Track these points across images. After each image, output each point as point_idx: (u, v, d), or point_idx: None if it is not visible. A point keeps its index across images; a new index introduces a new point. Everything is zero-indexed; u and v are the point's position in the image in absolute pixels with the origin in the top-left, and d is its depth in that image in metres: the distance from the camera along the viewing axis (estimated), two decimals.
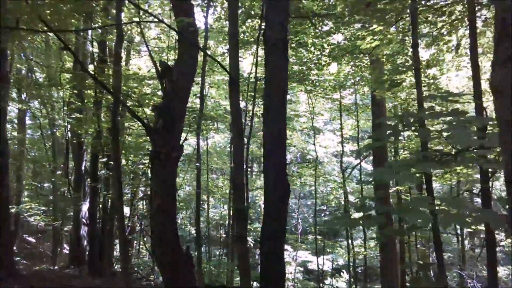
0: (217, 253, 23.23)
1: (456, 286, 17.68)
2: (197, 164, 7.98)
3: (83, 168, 13.79)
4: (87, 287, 9.72)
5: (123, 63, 9.81)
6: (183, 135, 6.56)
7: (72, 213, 14.04)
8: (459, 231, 20.59)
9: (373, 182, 13.98)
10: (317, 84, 13.12)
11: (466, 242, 18.54)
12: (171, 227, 4.54)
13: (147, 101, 8.48)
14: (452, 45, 10.46)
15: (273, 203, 4.19)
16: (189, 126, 9.89)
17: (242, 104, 11.65)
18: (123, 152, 10.89)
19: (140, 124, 12.98)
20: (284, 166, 4.32)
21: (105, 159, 11.38)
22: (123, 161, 12.76)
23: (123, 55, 11.74)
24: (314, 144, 17.00)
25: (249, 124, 7.88)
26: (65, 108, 13.75)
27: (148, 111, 8.03)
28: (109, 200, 12.63)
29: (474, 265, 17.50)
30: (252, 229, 19.78)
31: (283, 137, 4.34)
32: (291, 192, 4.20)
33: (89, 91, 9.75)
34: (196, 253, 9.33)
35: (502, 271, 17.57)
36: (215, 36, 12.58)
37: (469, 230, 20.09)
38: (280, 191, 4.15)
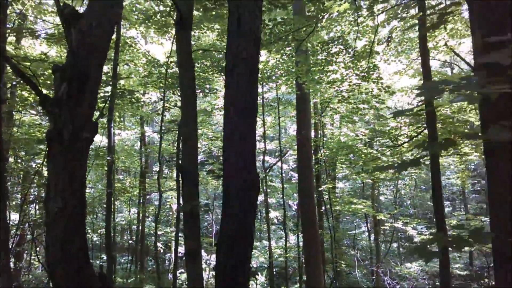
0: (122, 260, 21.25)
1: (372, 284, 17.93)
2: (109, 157, 6.43)
3: None
4: None
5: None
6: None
7: None
8: (368, 227, 21.22)
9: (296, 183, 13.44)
10: None
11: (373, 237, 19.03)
12: (77, 238, 3.17)
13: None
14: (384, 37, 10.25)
15: (235, 194, 3.10)
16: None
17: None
18: (11, 147, 8.87)
19: (33, 110, 10.88)
20: (254, 147, 3.25)
21: None
22: (11, 159, 10.57)
23: None
24: None
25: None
26: None
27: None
28: None
29: (387, 262, 17.97)
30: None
31: (253, 110, 3.32)
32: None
33: None
34: (106, 266, 7.75)
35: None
36: None
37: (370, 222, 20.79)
38: (246, 178, 3.09)
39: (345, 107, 13.38)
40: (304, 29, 9.04)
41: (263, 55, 11.43)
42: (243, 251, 3.14)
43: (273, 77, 12.27)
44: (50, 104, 3.18)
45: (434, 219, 6.00)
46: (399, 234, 22.16)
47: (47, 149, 3.20)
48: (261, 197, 21.32)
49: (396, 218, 18.35)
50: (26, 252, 14.94)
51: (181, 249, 21.75)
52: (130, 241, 20.85)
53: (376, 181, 18.56)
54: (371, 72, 9.37)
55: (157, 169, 23.54)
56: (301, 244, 13.54)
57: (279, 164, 17.33)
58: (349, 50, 9.44)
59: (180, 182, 5.45)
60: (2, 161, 5.13)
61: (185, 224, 5.04)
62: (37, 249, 13.80)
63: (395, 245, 22.96)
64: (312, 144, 12.48)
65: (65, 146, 3.14)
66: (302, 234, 12.25)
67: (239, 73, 3.49)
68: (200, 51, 10.30)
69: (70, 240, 3.12)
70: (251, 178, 3.28)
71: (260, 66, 11.33)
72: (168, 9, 9.73)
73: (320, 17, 8.83)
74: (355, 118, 13.61)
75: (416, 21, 10.05)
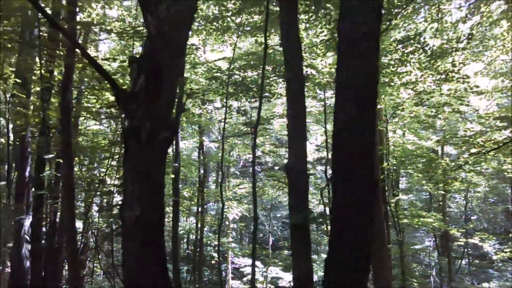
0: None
1: None
2: (176, 164, 6.04)
3: (27, 174, 11.53)
4: None
5: None
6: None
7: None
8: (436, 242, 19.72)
9: None
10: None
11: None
12: (155, 250, 2.77)
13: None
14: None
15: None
16: None
17: None
18: (76, 155, 8.85)
19: (98, 119, 10.93)
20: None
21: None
22: (75, 167, 10.64)
23: None
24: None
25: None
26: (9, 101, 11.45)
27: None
28: (57, 212, 10.49)
29: (460, 280, 16.57)
30: None
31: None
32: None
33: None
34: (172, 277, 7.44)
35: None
36: None
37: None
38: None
39: (415, 112, 12.46)
40: None
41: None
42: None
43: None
44: (126, 99, 2.83)
45: None
46: (469, 250, 20.48)
47: (124, 150, 2.85)
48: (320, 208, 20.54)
49: (470, 233, 16.89)
50: (89, 259, 15.16)
51: (238, 260, 21.43)
52: (188, 251, 20.76)
53: (447, 193, 17.24)
54: (454, 72, 8.51)
55: (215, 178, 23.45)
56: None
57: None
58: (426, 48, 8.66)
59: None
60: (71, 168, 4.95)
61: (293, 240, 4.48)
62: (99, 256, 13.92)
63: (463, 261, 21.26)
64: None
65: (142, 146, 2.76)
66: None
67: None
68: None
69: (147, 252, 2.73)
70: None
71: (326, 69, 10.74)
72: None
73: (394, 13, 8.15)
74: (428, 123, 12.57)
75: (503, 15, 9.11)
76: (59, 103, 5.24)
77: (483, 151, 8.41)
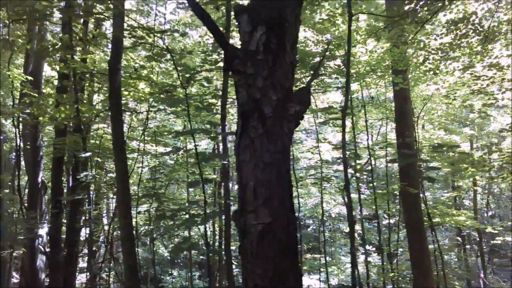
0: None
1: None
2: (225, 162, 5.23)
3: (39, 180, 10.72)
4: None
5: None
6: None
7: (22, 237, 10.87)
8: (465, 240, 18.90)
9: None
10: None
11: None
12: (291, 267, 1.96)
13: None
14: None
15: None
16: None
17: None
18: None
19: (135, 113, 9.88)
20: None
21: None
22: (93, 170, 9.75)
23: None
24: (318, 147, 14.29)
25: None
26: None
27: None
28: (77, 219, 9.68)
29: (496, 282, 15.81)
30: None
31: None
32: None
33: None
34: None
35: None
36: None
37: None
38: None
39: (452, 104, 11.71)
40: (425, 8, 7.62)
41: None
42: None
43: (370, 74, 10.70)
44: (241, 61, 2.04)
45: None
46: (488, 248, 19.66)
47: (240, 132, 2.04)
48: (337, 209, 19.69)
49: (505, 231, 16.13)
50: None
51: None
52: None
53: (474, 189, 16.49)
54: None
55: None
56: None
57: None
58: (480, 30, 7.89)
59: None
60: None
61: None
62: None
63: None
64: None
65: (267, 126, 1.97)
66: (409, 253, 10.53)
67: None
68: None
69: (282, 271, 1.93)
70: None
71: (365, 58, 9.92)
72: None
73: None
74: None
75: None
76: (109, 87, 4.43)
77: None
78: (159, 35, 5.35)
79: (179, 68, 4.50)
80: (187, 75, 4.50)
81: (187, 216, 5.48)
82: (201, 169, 4.54)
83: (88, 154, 6.66)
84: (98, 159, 7.76)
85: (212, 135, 5.55)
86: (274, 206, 1.91)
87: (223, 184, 5.00)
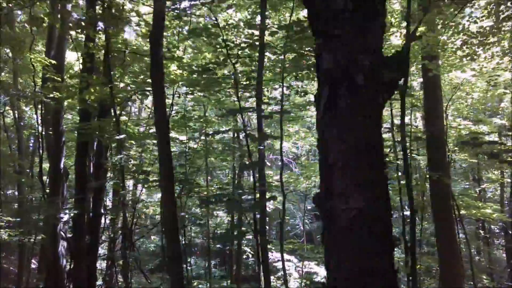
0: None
1: None
2: (261, 147, 5.01)
3: (61, 166, 10.61)
4: None
5: None
6: None
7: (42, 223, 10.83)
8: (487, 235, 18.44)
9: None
10: None
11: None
12: (387, 259, 1.70)
13: None
14: None
15: None
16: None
17: None
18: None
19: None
20: None
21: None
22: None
23: None
24: None
25: None
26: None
27: None
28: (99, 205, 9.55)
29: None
30: None
31: None
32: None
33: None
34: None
35: None
36: None
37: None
38: None
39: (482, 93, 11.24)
40: None
41: None
42: None
43: None
44: (324, 20, 1.76)
45: None
46: None
47: (325, 104, 1.77)
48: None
49: None
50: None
51: (271, 255, 20.39)
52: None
53: (501, 181, 15.98)
54: None
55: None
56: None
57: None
58: None
59: None
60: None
61: None
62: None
63: None
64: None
65: (359, 96, 1.70)
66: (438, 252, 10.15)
67: None
68: None
69: (376, 264, 1.67)
70: None
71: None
72: None
73: None
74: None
75: None
76: (151, 60, 4.20)
77: None
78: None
79: (218, 46, 4.27)
80: (233, 52, 4.27)
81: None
82: (250, 152, 4.31)
83: (122, 136, 6.46)
84: (131, 142, 7.58)
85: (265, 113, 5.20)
86: (367, 189, 1.65)
87: (258, 169, 4.77)
